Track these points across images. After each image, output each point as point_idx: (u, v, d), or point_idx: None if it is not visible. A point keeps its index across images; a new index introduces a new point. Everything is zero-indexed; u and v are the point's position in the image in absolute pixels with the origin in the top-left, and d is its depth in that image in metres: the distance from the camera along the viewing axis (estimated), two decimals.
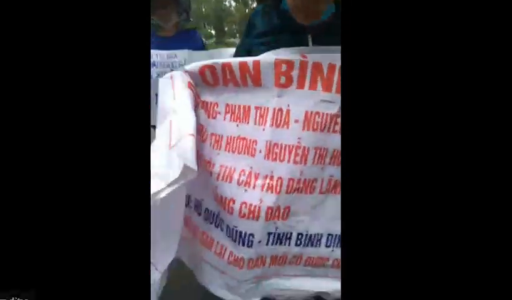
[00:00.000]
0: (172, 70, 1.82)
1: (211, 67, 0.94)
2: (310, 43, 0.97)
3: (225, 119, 0.95)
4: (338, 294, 1.02)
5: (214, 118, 0.96)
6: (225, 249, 1.00)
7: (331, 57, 0.85)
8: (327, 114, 0.87)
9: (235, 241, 0.96)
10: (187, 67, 0.97)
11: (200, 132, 0.97)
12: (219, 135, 0.96)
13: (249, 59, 0.90)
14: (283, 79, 0.87)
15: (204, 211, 1.05)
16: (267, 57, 0.88)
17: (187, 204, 1.08)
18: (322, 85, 0.86)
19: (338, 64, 0.86)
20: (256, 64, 0.88)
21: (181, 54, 1.86)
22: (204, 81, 0.96)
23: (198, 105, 0.98)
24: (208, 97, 0.98)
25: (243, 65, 0.90)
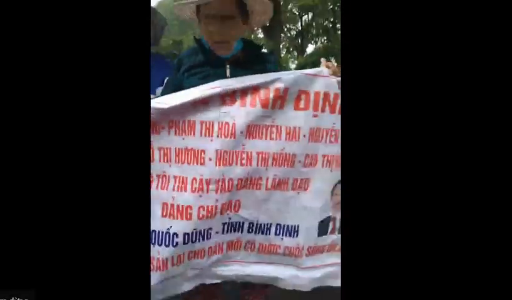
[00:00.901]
0: None
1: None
2: (228, 72, 1.19)
3: (169, 133, 1.06)
4: (293, 280, 1.21)
5: (158, 133, 1.06)
6: (183, 255, 1.09)
7: (265, 84, 1.08)
8: (263, 125, 1.10)
9: (194, 242, 1.08)
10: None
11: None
12: (167, 149, 1.07)
13: (198, 88, 1.05)
14: (227, 100, 1.06)
15: (151, 233, 1.09)
16: (215, 87, 1.04)
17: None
18: (260, 103, 1.08)
19: (273, 86, 1.09)
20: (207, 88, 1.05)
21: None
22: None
23: None
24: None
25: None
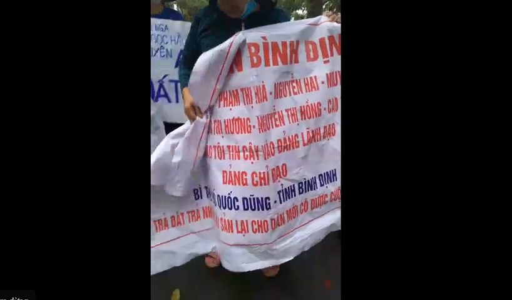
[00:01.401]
0: (161, 46, 1.82)
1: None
2: (243, 29, 1.18)
3: (219, 106, 1.14)
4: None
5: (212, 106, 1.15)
6: (246, 222, 1.14)
7: (282, 37, 1.12)
8: (285, 81, 1.15)
9: (254, 209, 1.13)
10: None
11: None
12: (218, 121, 1.15)
13: (230, 44, 1.06)
14: (255, 60, 1.10)
15: (217, 198, 1.19)
16: (239, 40, 1.07)
17: (207, 195, 1.27)
18: (281, 60, 1.13)
19: (289, 40, 1.13)
20: (239, 52, 1.08)
21: (173, 26, 1.82)
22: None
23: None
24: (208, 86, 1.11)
25: (229, 51, 1.06)
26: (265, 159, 1.11)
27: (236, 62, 1.10)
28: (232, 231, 1.15)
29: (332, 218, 1.29)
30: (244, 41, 1.08)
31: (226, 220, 1.16)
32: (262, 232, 1.15)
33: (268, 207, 1.14)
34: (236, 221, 1.15)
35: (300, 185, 1.22)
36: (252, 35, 1.10)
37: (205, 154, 1.21)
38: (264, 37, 1.11)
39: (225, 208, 1.16)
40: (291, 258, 1.22)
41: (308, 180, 1.23)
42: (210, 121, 1.18)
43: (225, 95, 1.13)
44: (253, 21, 1.19)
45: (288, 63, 1.15)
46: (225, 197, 1.15)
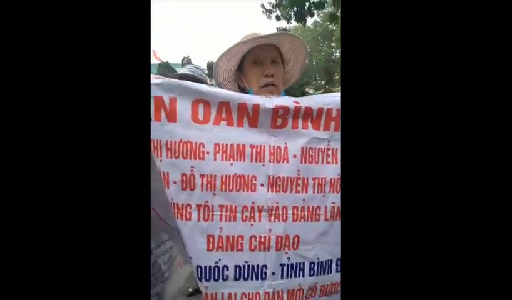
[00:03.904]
0: None
1: (206, 104, 0.96)
2: None
3: (215, 159, 0.97)
4: None
5: (202, 158, 0.97)
6: (235, 296, 0.98)
7: (318, 103, 1.04)
8: (319, 148, 1.04)
9: (247, 279, 0.97)
10: (185, 88, 0.96)
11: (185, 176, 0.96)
12: (211, 176, 0.98)
13: (248, 101, 0.98)
14: (279, 121, 1.01)
15: (196, 269, 1.00)
16: (266, 103, 0.99)
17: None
18: (312, 125, 1.03)
19: (325, 107, 1.04)
20: (256, 108, 0.98)
21: None
22: (193, 118, 0.97)
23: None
24: (193, 136, 0.97)
25: (242, 107, 0.97)
26: (269, 222, 0.99)
27: (248, 117, 1.00)
28: None
29: None
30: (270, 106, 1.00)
31: (208, 294, 0.97)
32: None
33: (263, 277, 0.99)
34: (222, 294, 0.97)
35: (312, 265, 1.05)
36: (282, 99, 1.04)
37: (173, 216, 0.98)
38: (297, 102, 1.04)
39: (208, 280, 0.98)
40: None
41: (322, 262, 1.06)
42: (189, 175, 0.96)
43: (224, 148, 0.98)
44: None
45: (322, 129, 1.05)
46: (210, 267, 0.98)
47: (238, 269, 0.99)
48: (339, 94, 1.05)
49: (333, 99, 1.07)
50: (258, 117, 1.00)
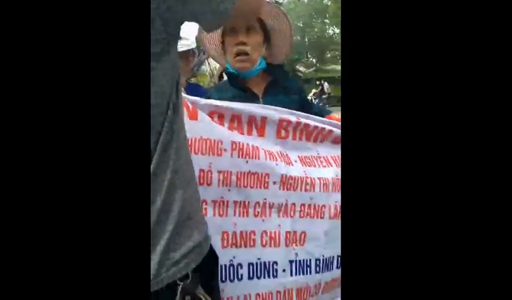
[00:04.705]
0: None
1: (220, 116, 1.04)
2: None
3: (231, 156, 1.01)
4: None
5: (220, 155, 1.00)
6: (249, 297, 0.98)
7: (317, 121, 1.15)
8: (312, 156, 1.15)
9: (260, 277, 1.00)
10: (198, 99, 1.04)
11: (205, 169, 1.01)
12: (227, 172, 1.01)
13: (257, 114, 1.06)
14: (283, 133, 1.11)
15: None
16: (272, 116, 1.08)
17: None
18: (306, 138, 1.15)
19: (321, 125, 1.16)
20: (263, 120, 1.07)
21: None
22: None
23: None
24: (210, 134, 1.00)
25: (251, 119, 1.06)
26: (279, 217, 1.03)
27: (257, 128, 1.08)
28: None
29: None
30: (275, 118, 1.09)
31: (223, 298, 0.95)
32: None
33: (274, 274, 1.00)
34: (238, 297, 0.96)
35: (318, 262, 1.08)
36: (285, 111, 1.12)
37: None
38: (298, 118, 1.13)
39: (224, 281, 0.95)
40: None
41: (326, 258, 1.10)
42: (207, 171, 0.98)
43: (240, 146, 1.01)
44: (269, 96, 1.22)
45: (312, 141, 1.16)
46: (225, 266, 0.97)
47: (251, 267, 1.00)
48: (338, 123, 1.19)
49: (330, 123, 1.19)
50: (265, 129, 1.08)
